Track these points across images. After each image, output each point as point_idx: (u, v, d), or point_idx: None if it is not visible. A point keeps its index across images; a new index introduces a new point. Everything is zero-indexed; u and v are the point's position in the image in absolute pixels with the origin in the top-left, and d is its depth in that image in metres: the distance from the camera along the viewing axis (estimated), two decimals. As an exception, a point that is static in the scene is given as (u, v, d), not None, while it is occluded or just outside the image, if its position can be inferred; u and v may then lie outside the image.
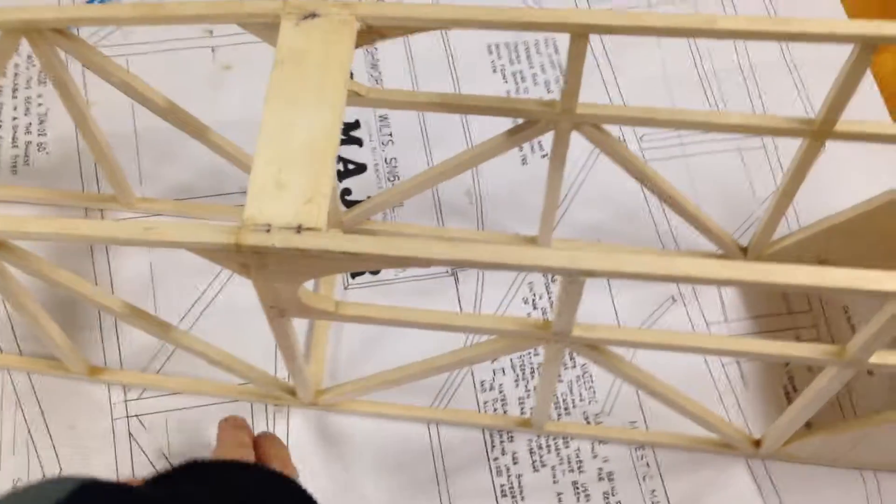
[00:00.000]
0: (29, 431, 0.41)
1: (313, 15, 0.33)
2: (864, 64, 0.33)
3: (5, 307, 0.44)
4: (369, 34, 0.33)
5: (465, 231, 0.48)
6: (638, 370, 0.36)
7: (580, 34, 0.33)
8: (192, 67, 0.52)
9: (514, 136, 0.39)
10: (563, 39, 0.54)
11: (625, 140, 0.51)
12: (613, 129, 0.50)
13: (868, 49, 0.33)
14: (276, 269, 0.30)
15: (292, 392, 0.41)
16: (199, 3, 0.34)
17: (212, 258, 0.29)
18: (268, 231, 0.28)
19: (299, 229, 0.28)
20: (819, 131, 0.37)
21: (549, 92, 0.53)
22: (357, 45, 0.33)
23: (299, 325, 0.44)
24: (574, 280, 0.29)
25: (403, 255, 0.28)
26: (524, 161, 0.51)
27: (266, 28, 0.33)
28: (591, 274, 0.28)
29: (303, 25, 0.32)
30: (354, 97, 0.37)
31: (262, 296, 0.31)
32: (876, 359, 0.32)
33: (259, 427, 0.42)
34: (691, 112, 0.38)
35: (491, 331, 0.33)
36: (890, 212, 0.41)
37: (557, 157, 0.40)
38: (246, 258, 0.29)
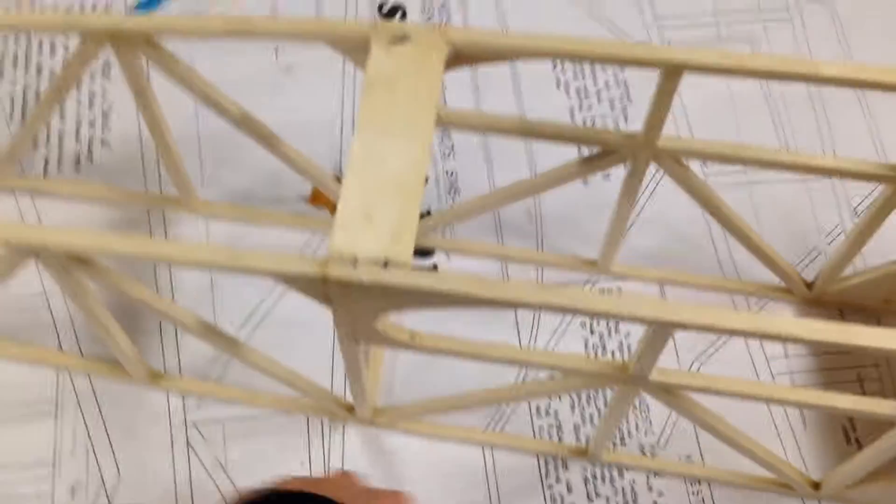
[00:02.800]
0: (88, 435, 0.41)
1: (404, 38, 0.32)
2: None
3: (67, 306, 0.44)
4: (457, 60, 0.33)
5: (525, 251, 0.47)
6: (709, 414, 0.35)
7: (673, 72, 0.33)
8: (255, 66, 0.52)
9: (590, 165, 0.39)
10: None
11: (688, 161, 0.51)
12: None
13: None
14: (358, 301, 0.29)
15: (350, 409, 0.41)
16: (289, 21, 0.33)
17: (294, 286, 0.29)
18: (354, 265, 0.28)
19: (386, 264, 0.28)
20: (901, 177, 0.36)
21: (612, 109, 0.52)
22: (445, 70, 0.33)
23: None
24: (662, 331, 0.28)
25: (494, 297, 0.27)
26: (586, 182, 0.50)
27: (355, 50, 0.33)
28: (683, 327, 0.28)
29: (393, 50, 0.32)
30: (444, 120, 0.37)
31: (339, 325, 0.31)
32: (956, 419, 0.31)
33: (314, 442, 0.42)
34: (774, 151, 0.37)
35: (568, 370, 0.33)
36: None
37: (631, 188, 0.40)
38: (330, 289, 0.29)
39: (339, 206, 0.29)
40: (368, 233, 0.28)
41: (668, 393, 0.33)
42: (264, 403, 0.42)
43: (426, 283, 0.28)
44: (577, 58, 0.33)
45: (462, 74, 0.52)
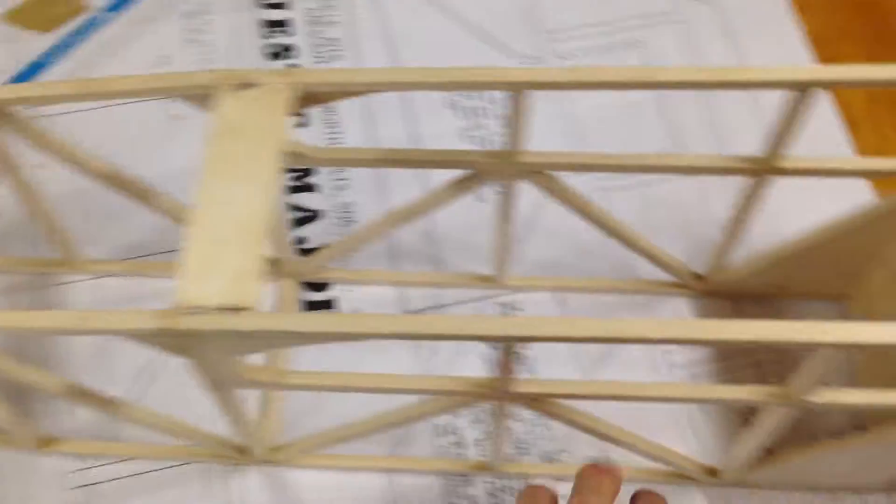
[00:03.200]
0: (-18, 508, 0.41)
1: (249, 85, 0.33)
2: (804, 104, 0.34)
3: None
4: (306, 101, 0.33)
5: (422, 274, 0.48)
6: (586, 416, 0.36)
7: (517, 92, 0.34)
8: (143, 117, 0.52)
9: (461, 186, 0.39)
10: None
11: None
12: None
13: (809, 93, 0.33)
14: (211, 350, 0.30)
15: (244, 451, 0.41)
16: (133, 78, 0.34)
17: (148, 342, 0.29)
18: (199, 314, 0.28)
19: (234, 310, 0.28)
20: (764, 169, 0.37)
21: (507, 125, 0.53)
22: (296, 113, 0.33)
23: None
24: (506, 346, 0.29)
25: (341, 332, 0.28)
26: (480, 198, 0.51)
27: (205, 99, 0.33)
28: (527, 340, 0.28)
29: (239, 96, 0.32)
30: (299, 158, 0.37)
31: (199, 373, 0.31)
32: (818, 398, 0.32)
33: (215, 487, 0.42)
34: (640, 156, 0.38)
35: (434, 391, 0.34)
36: (841, 235, 0.41)
37: (505, 205, 0.40)
38: (181, 341, 0.29)
39: (185, 255, 0.29)
40: (212, 281, 0.29)
41: (539, 403, 0.34)
42: (158, 455, 0.42)
43: (270, 326, 0.28)
44: (424, 89, 0.33)
45: (355, 103, 0.53)
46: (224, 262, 0.29)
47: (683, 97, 0.54)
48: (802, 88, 0.32)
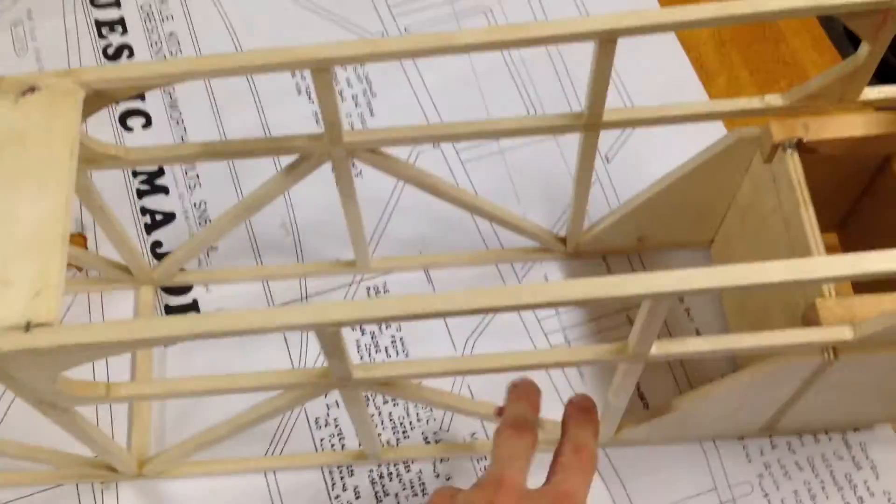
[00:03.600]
0: None
1: (33, 89, 0.31)
2: (610, 56, 0.33)
3: None
4: (97, 99, 0.32)
5: (284, 266, 0.47)
6: (443, 394, 0.35)
7: (320, 69, 0.32)
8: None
9: (293, 173, 0.38)
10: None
11: (439, 145, 0.51)
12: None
13: (609, 43, 0.33)
14: (17, 369, 0.28)
15: (112, 468, 0.40)
16: None
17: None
18: (-8, 335, 0.27)
19: (28, 327, 0.27)
20: (589, 124, 0.37)
21: (357, 106, 0.52)
22: (86, 113, 0.32)
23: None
24: (324, 333, 0.28)
25: (137, 339, 0.27)
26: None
27: (-13, 109, 0.31)
28: (340, 324, 0.27)
29: (22, 102, 0.31)
30: (113, 160, 0.36)
31: (18, 395, 0.30)
32: (656, 350, 0.32)
33: (87, 508, 0.41)
34: (463, 125, 0.37)
35: (276, 386, 0.32)
36: (689, 180, 0.41)
37: (344, 186, 0.39)
38: (-21, 366, 0.27)
39: (-28, 278, 0.28)
40: (6, 298, 0.27)
41: (386, 385, 0.33)
42: (25, 482, 0.40)
43: (71, 339, 0.27)
44: (220, 75, 0.32)
45: (200, 94, 0.51)
46: (19, 279, 0.28)
47: (535, 60, 0.53)
48: (604, 38, 0.32)
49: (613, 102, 0.51)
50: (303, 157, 0.37)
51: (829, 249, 0.46)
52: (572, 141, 0.39)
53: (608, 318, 0.46)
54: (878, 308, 0.33)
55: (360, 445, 0.42)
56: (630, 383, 0.34)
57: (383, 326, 0.45)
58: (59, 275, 0.28)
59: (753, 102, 0.37)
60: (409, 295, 0.27)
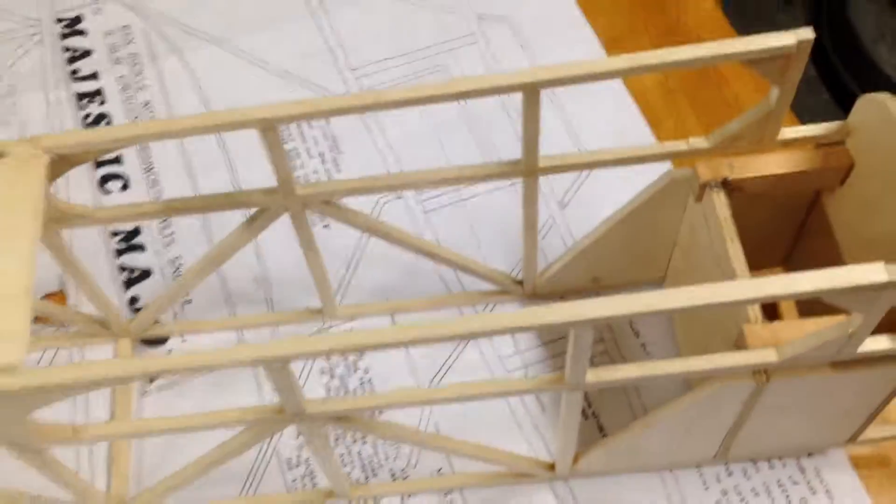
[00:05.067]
0: None
1: (1, 154, 0.34)
2: (535, 106, 0.36)
3: None
4: (62, 163, 0.34)
5: (255, 316, 0.49)
6: (400, 428, 0.37)
7: (266, 128, 0.35)
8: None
9: (253, 226, 0.41)
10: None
11: (402, 195, 0.53)
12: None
13: (534, 94, 0.35)
14: (-12, 414, 0.30)
15: (91, 513, 0.41)
16: None
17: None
18: (-43, 381, 0.29)
19: (-9, 373, 0.29)
20: (527, 170, 0.39)
21: (323, 163, 0.55)
22: (53, 175, 0.34)
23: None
24: (272, 368, 0.30)
25: (97, 378, 0.29)
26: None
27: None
28: (285, 360, 0.29)
29: (-9, 169, 0.33)
30: (80, 219, 0.38)
31: (-10, 440, 0.32)
32: (591, 377, 0.33)
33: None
34: (410, 174, 0.39)
35: (235, 422, 0.34)
36: (633, 221, 0.43)
37: (303, 237, 0.42)
38: (-51, 411, 0.29)
39: (-56, 329, 0.30)
40: (-28, 347, 0.29)
41: (344, 420, 0.35)
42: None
43: (33, 381, 0.29)
44: (168, 137, 0.35)
45: (172, 158, 0.54)
46: (-16, 329, 0.30)
47: (489, 110, 0.56)
48: (528, 90, 0.34)
49: (566, 147, 0.55)
50: (260, 210, 0.40)
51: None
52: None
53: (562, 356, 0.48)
54: (801, 331, 0.34)
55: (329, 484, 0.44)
56: (574, 412, 0.36)
57: (351, 369, 0.47)
58: (24, 323, 0.30)
59: (679, 145, 0.39)
60: (348, 332, 0.29)
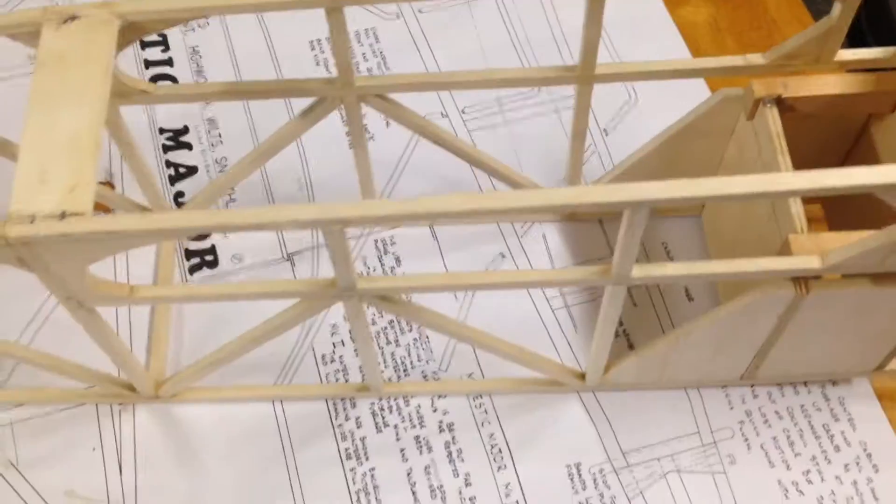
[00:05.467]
0: None
1: (73, 17, 0.34)
2: (600, 7, 0.36)
3: None
4: (132, 31, 0.35)
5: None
6: (440, 315, 0.38)
7: (334, 8, 0.35)
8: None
9: (308, 117, 0.41)
10: (383, 28, 0.57)
11: (447, 114, 0.54)
12: (431, 103, 0.53)
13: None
14: (52, 258, 0.31)
15: (132, 388, 0.42)
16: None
17: (-8, 259, 0.31)
18: (32, 221, 0.30)
19: (63, 216, 0.30)
20: (582, 76, 0.40)
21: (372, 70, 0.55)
22: (121, 43, 0.35)
23: (142, 318, 0.46)
24: (330, 231, 0.31)
25: (159, 228, 0.30)
26: (351, 145, 0.52)
27: (33, 36, 0.35)
28: (345, 223, 0.30)
29: (63, 29, 0.34)
30: (142, 95, 0.39)
31: (51, 289, 0.33)
32: (637, 272, 0.34)
33: (105, 428, 0.43)
34: (465, 73, 0.40)
35: (286, 294, 0.35)
36: (680, 142, 0.44)
37: (355, 132, 0.42)
38: (18, 251, 0.30)
39: (16, 175, 0.31)
40: (45, 192, 0.30)
41: (389, 301, 0.36)
42: (46, 399, 0.43)
43: (99, 226, 0.30)
44: (245, 10, 0.35)
45: (225, 69, 0.55)
46: (56, 176, 0.31)
47: (541, 40, 0.57)
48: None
49: (613, 86, 0.55)
50: (317, 101, 0.40)
51: (814, 220, 0.49)
52: (567, 115, 0.41)
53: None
54: (845, 242, 0.35)
55: (362, 378, 0.45)
56: (615, 309, 0.37)
57: (388, 276, 0.48)
58: (92, 174, 0.31)
59: (737, 60, 0.39)
60: (406, 199, 0.30)
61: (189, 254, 0.49)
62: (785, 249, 0.36)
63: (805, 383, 0.45)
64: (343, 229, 0.31)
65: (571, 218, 0.50)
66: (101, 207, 0.49)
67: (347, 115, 0.41)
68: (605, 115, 0.54)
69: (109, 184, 0.50)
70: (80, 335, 0.38)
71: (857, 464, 0.43)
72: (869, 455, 0.43)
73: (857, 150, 0.43)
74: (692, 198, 0.29)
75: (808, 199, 0.48)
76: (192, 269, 0.48)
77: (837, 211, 0.47)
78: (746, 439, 0.44)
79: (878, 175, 0.29)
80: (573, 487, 0.43)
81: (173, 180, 0.51)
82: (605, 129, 0.53)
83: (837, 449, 0.44)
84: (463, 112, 0.54)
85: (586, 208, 0.30)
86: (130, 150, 0.42)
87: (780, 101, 0.39)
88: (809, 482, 0.43)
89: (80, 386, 0.44)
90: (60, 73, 0.33)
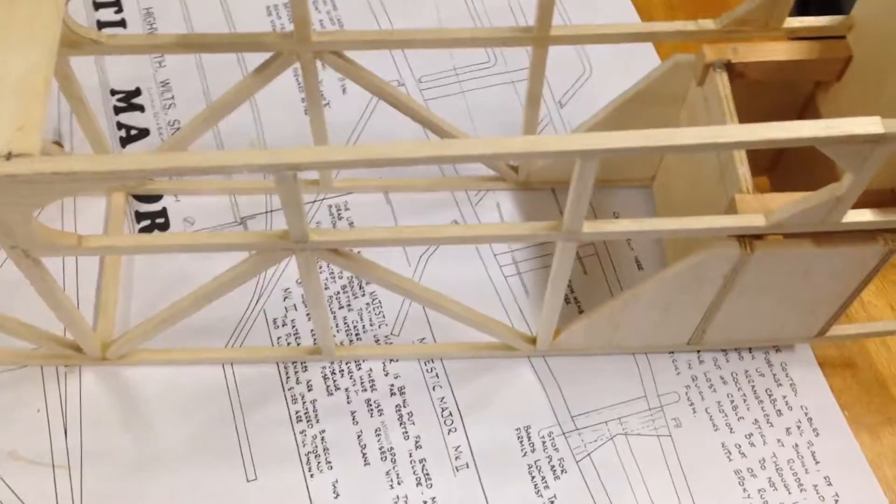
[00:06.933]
0: None
1: (25, -39, 0.34)
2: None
3: None
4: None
5: (250, 181, 0.49)
6: (392, 273, 0.38)
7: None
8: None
9: (263, 73, 0.41)
10: (344, -1, 0.57)
11: (403, 82, 0.54)
12: (388, 71, 0.53)
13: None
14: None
15: (79, 349, 0.42)
16: None
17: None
18: (-24, 161, 0.29)
19: (9, 156, 0.29)
20: (538, 38, 0.40)
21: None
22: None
23: (90, 278, 0.45)
24: (283, 177, 0.31)
25: (110, 170, 0.29)
26: (307, 111, 0.52)
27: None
28: (297, 167, 0.30)
29: (14, -29, 0.33)
30: (93, 45, 0.38)
31: (-2, 236, 0.32)
32: (588, 228, 0.35)
33: (50, 390, 0.43)
34: (423, 31, 0.40)
35: (237, 246, 0.35)
36: (631, 108, 0.44)
37: (310, 91, 0.42)
38: (-39, 193, 0.30)
39: (-39, 113, 0.30)
40: (-10, 132, 0.30)
41: (342, 256, 0.36)
42: (-12, 360, 0.42)
43: (49, 167, 0.29)
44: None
45: (177, 18, 0.54)
46: (2, 117, 0.30)
47: (497, 9, 0.57)
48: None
49: (571, 55, 0.56)
50: (272, 57, 0.40)
51: (763, 191, 0.50)
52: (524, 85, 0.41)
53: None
54: (789, 201, 0.36)
55: (314, 342, 0.45)
56: (566, 266, 0.37)
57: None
58: (41, 114, 0.30)
59: (689, 25, 0.40)
60: (362, 145, 0.30)
61: (139, 216, 0.48)
62: (731, 208, 0.37)
63: (749, 349, 0.46)
64: (296, 176, 0.31)
65: (525, 186, 0.50)
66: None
67: (303, 73, 0.41)
68: (560, 88, 0.54)
69: (59, 143, 0.49)
70: (25, 293, 0.38)
71: (799, 428, 0.44)
72: (810, 419, 0.44)
73: (803, 118, 0.44)
74: (642, 148, 0.30)
75: (756, 170, 0.49)
76: (142, 232, 0.47)
77: (783, 181, 0.48)
78: (692, 403, 0.45)
79: (821, 128, 0.30)
80: (522, 450, 0.43)
81: (125, 142, 0.50)
82: (559, 102, 0.54)
83: (780, 413, 0.45)
84: (419, 81, 0.54)
85: (538, 157, 0.30)
86: (81, 107, 0.41)
87: (729, 67, 0.40)
88: (752, 445, 0.44)
89: (26, 347, 0.43)
90: (10, 12, 0.32)
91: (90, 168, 0.29)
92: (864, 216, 0.35)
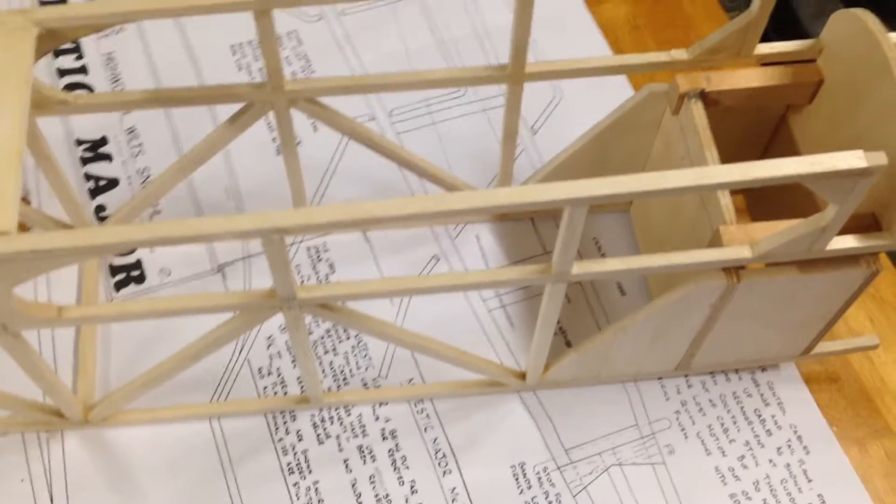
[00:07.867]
0: None
1: (-13, 27, 0.33)
2: (528, 9, 0.36)
3: None
4: (50, 38, 0.34)
5: (226, 227, 0.48)
6: (381, 322, 0.37)
7: (262, 11, 0.35)
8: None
9: (236, 123, 0.40)
10: (306, 31, 0.56)
11: (375, 116, 0.53)
12: (358, 107, 0.53)
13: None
14: (-27, 280, 0.29)
15: (60, 413, 0.41)
16: None
17: None
18: (-52, 242, 0.28)
19: (-16, 236, 0.28)
20: (513, 75, 0.40)
21: (289, 64, 0.54)
22: (40, 50, 0.33)
23: (66, 341, 0.44)
24: (270, 241, 0.30)
25: (92, 245, 0.28)
26: (278, 151, 0.52)
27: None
28: (285, 231, 0.30)
29: (-24, 38, 0.32)
30: (62, 106, 0.38)
31: (-28, 312, 0.31)
32: (577, 269, 0.34)
33: (33, 457, 0.42)
34: (396, 75, 0.40)
35: (224, 307, 0.34)
36: (607, 138, 0.44)
37: (285, 137, 0.42)
38: (-64, 274, 0.29)
39: (-69, 192, 0.29)
40: (-37, 211, 0.29)
41: (329, 309, 0.35)
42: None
43: (28, 246, 0.28)
44: (162, 16, 0.34)
45: (142, 77, 0.53)
46: (-26, 193, 0.29)
47: (465, 39, 0.57)
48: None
49: (539, 85, 0.55)
50: (245, 107, 0.39)
51: (739, 211, 0.50)
52: (500, 116, 0.41)
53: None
54: (773, 231, 0.36)
55: (301, 390, 0.44)
56: (555, 307, 0.37)
57: (316, 258, 0.48)
58: (16, 190, 0.29)
59: (661, 56, 0.40)
60: (346, 204, 0.29)
61: (114, 270, 0.47)
62: (716, 240, 0.37)
63: (736, 371, 0.46)
64: (283, 238, 0.30)
65: (504, 218, 0.50)
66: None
67: (277, 120, 0.40)
68: (532, 114, 0.54)
69: (26, 200, 0.48)
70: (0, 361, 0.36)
71: (790, 447, 0.44)
72: (799, 437, 0.45)
73: (776, 141, 0.44)
74: (631, 193, 0.30)
75: (733, 190, 0.49)
76: (119, 286, 0.46)
77: (759, 202, 0.48)
78: (683, 429, 0.45)
79: (805, 165, 0.30)
80: (518, 487, 0.43)
81: (94, 193, 0.49)
82: (532, 128, 0.54)
83: (769, 433, 0.45)
84: (391, 114, 0.54)
85: (527, 207, 0.30)
86: (49, 164, 0.40)
87: (704, 95, 0.40)
88: (745, 467, 0.44)
89: (3, 414, 0.42)
90: (-25, 85, 0.31)
91: (72, 244, 0.28)
92: (848, 242, 0.35)
